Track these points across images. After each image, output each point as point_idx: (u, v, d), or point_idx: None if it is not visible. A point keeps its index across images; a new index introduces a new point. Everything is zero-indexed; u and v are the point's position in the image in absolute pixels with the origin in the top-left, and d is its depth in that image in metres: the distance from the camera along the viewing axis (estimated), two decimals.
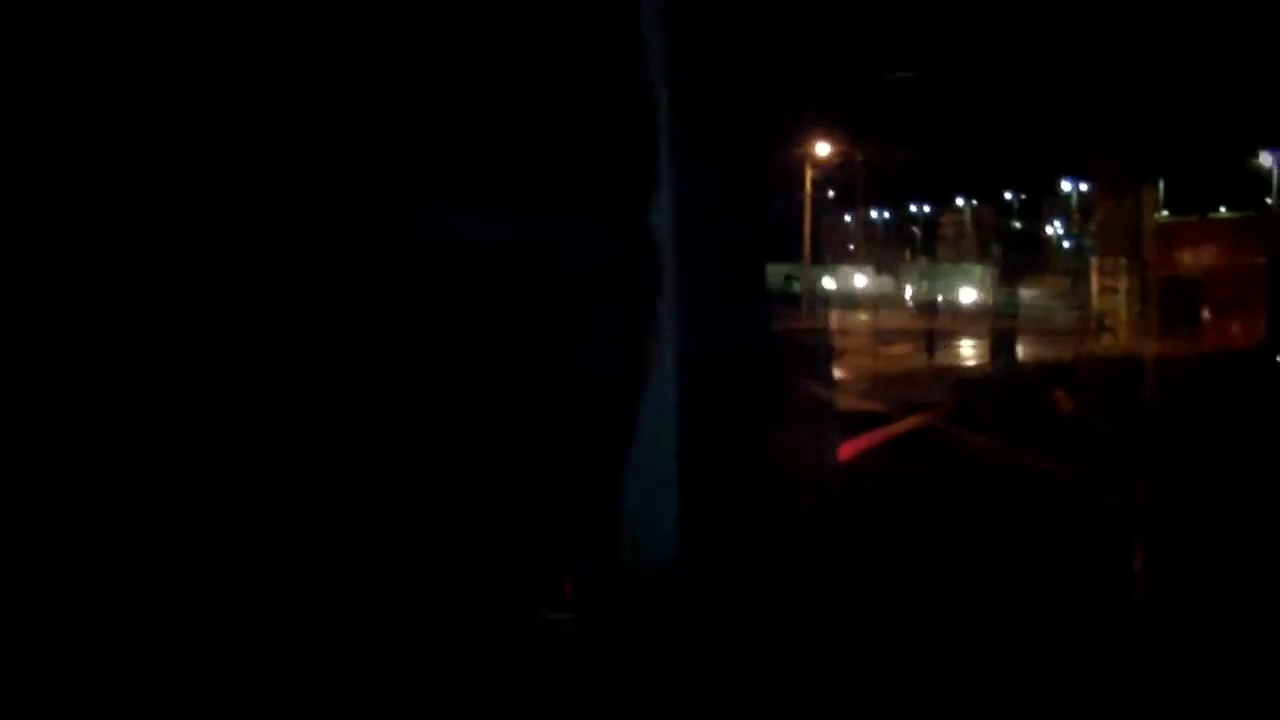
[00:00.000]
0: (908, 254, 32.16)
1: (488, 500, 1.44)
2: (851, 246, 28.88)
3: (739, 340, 2.49)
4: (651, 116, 1.58)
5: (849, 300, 25.35)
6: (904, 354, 16.55)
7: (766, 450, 2.59)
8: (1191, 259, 18.11)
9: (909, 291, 28.02)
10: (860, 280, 28.62)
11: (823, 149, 21.55)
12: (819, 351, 7.86)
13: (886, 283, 29.44)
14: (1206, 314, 16.77)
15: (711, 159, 2.35)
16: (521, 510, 1.47)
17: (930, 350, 16.60)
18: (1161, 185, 19.79)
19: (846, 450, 7.03)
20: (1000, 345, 16.60)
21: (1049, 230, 30.21)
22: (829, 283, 23.46)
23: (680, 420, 2.39)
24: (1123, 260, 18.60)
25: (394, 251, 1.33)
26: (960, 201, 32.30)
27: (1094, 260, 20.61)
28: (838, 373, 12.05)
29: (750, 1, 2.52)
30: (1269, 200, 22.23)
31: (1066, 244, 28.84)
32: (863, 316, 21.98)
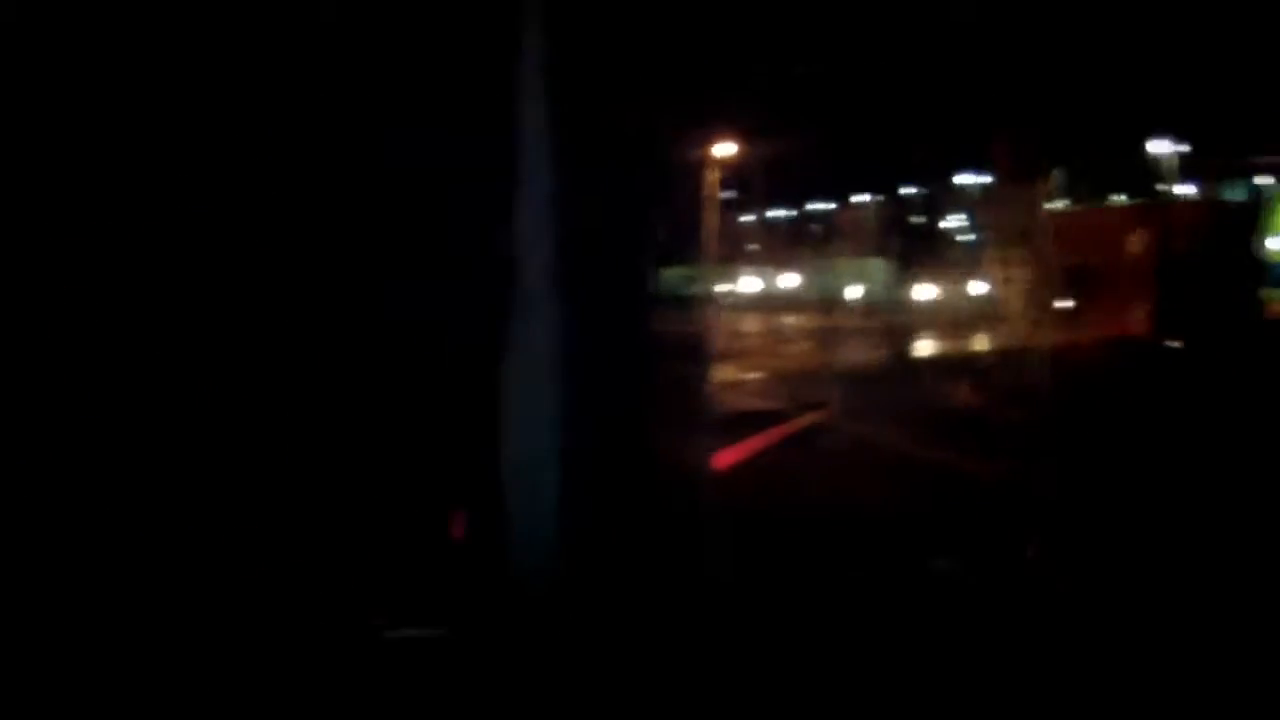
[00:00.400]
0: (809, 253, 32.30)
1: (332, 505, 1.42)
2: (753, 247, 28.97)
3: (624, 342, 2.48)
4: (512, 118, 1.55)
5: (748, 301, 25.43)
6: (802, 352, 16.65)
7: (649, 450, 2.58)
8: (1084, 247, 18.34)
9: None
10: (760, 281, 28.73)
11: (721, 150, 21.59)
12: (710, 353, 7.89)
13: (787, 282, 29.53)
14: (1099, 301, 17.02)
15: (594, 163, 2.34)
16: (376, 513, 1.44)
17: (827, 348, 16.72)
18: (1063, 175, 20.00)
19: (738, 450, 7.06)
20: (896, 340, 16.74)
21: (947, 224, 30.44)
22: (728, 285, 23.53)
23: (564, 421, 2.38)
24: (1017, 251, 18.81)
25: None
26: (861, 198, 32.49)
27: (990, 252, 20.83)
28: (736, 373, 12.11)
29: (634, 5, 2.51)
30: (1160, 187, 22.52)
31: (967, 237, 29.07)
32: (762, 316, 22.09)
